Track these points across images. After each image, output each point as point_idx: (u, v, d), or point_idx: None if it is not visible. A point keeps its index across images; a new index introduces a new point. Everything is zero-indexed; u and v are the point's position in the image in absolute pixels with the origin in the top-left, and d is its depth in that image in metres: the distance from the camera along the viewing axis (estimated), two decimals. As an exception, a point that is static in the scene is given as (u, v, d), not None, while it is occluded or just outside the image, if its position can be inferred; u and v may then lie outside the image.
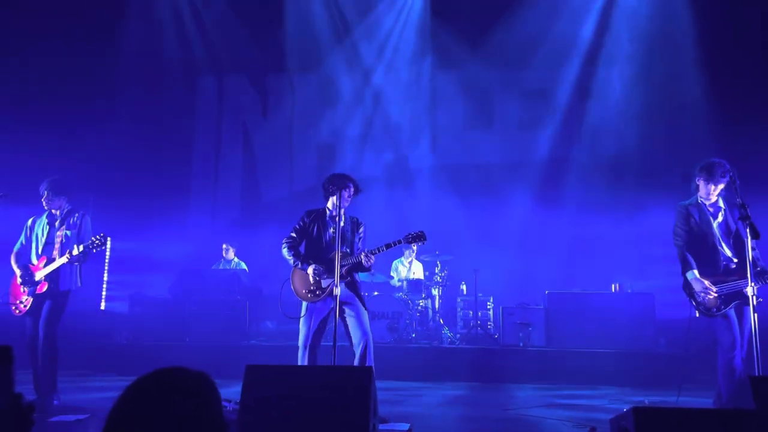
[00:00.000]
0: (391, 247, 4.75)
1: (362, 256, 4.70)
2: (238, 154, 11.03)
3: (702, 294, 4.45)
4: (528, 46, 9.90)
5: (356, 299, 4.81)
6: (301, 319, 4.80)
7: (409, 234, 4.83)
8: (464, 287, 9.00)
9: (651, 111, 9.46)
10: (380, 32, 10.54)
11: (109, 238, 5.46)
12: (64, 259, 5.21)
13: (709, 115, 8.83)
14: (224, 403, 4.20)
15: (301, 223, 5.00)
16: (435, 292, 8.60)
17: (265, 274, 8.80)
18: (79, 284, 5.45)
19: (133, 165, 9.83)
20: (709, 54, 8.93)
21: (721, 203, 4.63)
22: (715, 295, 4.42)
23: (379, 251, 4.74)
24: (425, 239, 4.84)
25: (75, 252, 5.17)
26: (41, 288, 5.25)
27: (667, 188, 8.90)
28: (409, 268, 9.15)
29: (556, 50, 9.92)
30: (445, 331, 8.08)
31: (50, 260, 5.30)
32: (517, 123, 10.33)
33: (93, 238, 5.19)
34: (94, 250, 5.23)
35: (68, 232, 5.39)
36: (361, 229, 5.02)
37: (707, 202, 4.64)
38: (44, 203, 5.43)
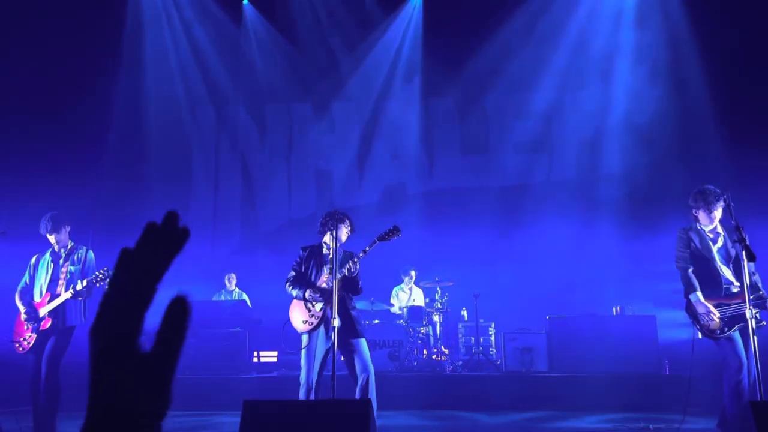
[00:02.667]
0: (367, 252, 4.77)
1: (345, 269, 4.70)
2: (237, 184, 11.08)
3: (705, 316, 4.43)
4: (526, 67, 10.02)
5: (356, 331, 4.79)
6: (303, 356, 4.77)
7: (382, 232, 4.86)
8: (465, 313, 8.95)
9: (654, 131, 9.50)
10: (376, 59, 10.65)
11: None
12: (68, 295, 5.19)
13: (715, 135, 8.87)
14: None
15: (298, 259, 5.05)
16: (436, 318, 8.55)
17: (264, 303, 8.78)
18: (84, 320, 5.43)
19: (131, 196, 9.87)
20: (717, 74, 8.99)
21: (719, 229, 4.65)
22: (719, 317, 4.40)
23: (359, 258, 4.76)
24: (399, 232, 4.87)
25: (79, 287, 5.16)
26: (45, 324, 5.23)
27: (668, 210, 8.91)
28: (409, 294, 9.12)
29: (553, 70, 10.02)
30: (445, 357, 8.02)
31: (54, 296, 5.28)
32: (515, 146, 10.37)
33: (96, 273, 5.18)
34: (98, 285, 5.22)
35: (72, 268, 5.40)
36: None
37: (706, 228, 4.65)
38: (54, 239, 5.41)
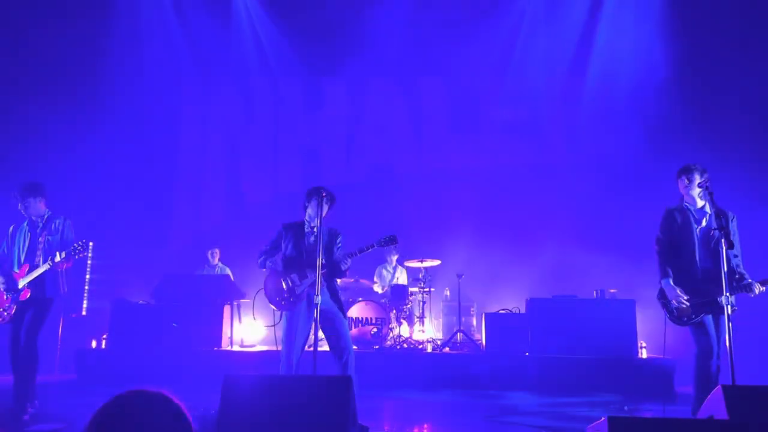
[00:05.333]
0: (365, 251, 4.77)
1: (342, 266, 4.71)
2: (223, 158, 10.99)
3: (674, 302, 4.50)
4: (511, 48, 10.02)
5: (337, 309, 4.80)
6: (284, 333, 4.77)
7: (382, 238, 4.84)
8: (448, 293, 9.03)
9: (637, 116, 9.55)
10: (363, 34, 10.52)
11: (91, 243, 5.41)
12: (46, 266, 5.15)
13: (696, 122, 8.94)
14: (203, 412, 4.19)
15: (276, 236, 5.01)
16: (419, 297, 8.61)
17: (247, 278, 8.78)
18: (65, 290, 5.40)
19: (116, 168, 9.76)
20: (695, 62, 9.03)
21: (707, 208, 4.66)
22: (687, 303, 4.46)
23: (352, 256, 4.74)
24: (397, 242, 4.86)
25: (57, 258, 5.12)
26: (24, 295, 5.20)
27: (649, 194, 8.99)
28: (393, 273, 9.16)
29: (540, 52, 10.02)
30: (427, 336, 8.09)
31: (33, 267, 5.24)
32: (502, 127, 10.38)
33: (75, 245, 5.14)
34: (76, 256, 5.18)
35: (50, 238, 5.33)
36: (338, 239, 4.98)
37: (693, 208, 4.66)
38: (21, 209, 5.36)
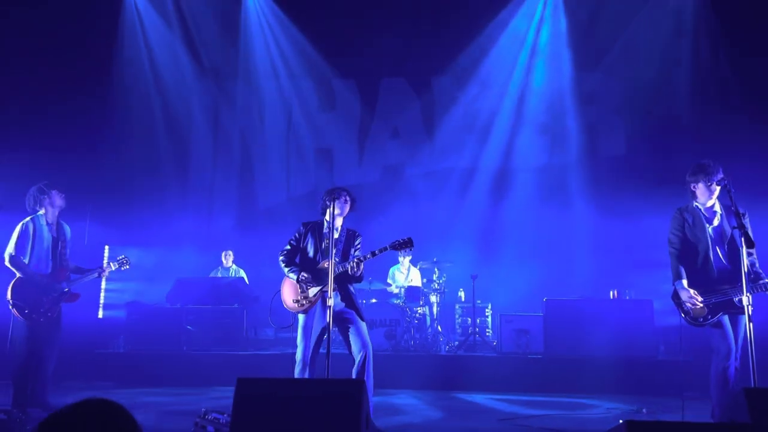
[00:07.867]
0: (377, 254, 4.66)
1: (348, 266, 4.65)
2: (236, 160, 11.00)
3: (688, 303, 4.41)
4: (525, 47, 9.95)
5: (353, 310, 4.76)
6: (300, 334, 4.75)
7: (396, 241, 4.70)
8: (462, 294, 8.97)
9: (651, 114, 9.44)
10: (375, 37, 10.49)
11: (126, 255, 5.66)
12: (94, 275, 5.61)
13: (709, 121, 8.82)
14: (217, 416, 4.18)
15: (297, 235, 4.99)
16: (433, 299, 8.55)
17: (261, 280, 8.79)
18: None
19: (130, 172, 9.81)
20: (710, 61, 8.91)
21: (717, 207, 4.57)
22: (702, 305, 4.37)
23: (365, 259, 4.66)
24: (413, 245, 4.73)
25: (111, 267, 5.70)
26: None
27: (666, 193, 8.87)
28: (406, 275, 9.12)
29: (551, 53, 9.94)
30: (441, 338, 8.05)
31: (63, 271, 5.37)
32: (515, 128, 10.30)
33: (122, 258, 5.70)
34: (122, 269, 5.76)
35: (62, 242, 5.39)
36: (357, 241, 4.94)
37: (702, 207, 4.58)
38: (52, 206, 5.35)
